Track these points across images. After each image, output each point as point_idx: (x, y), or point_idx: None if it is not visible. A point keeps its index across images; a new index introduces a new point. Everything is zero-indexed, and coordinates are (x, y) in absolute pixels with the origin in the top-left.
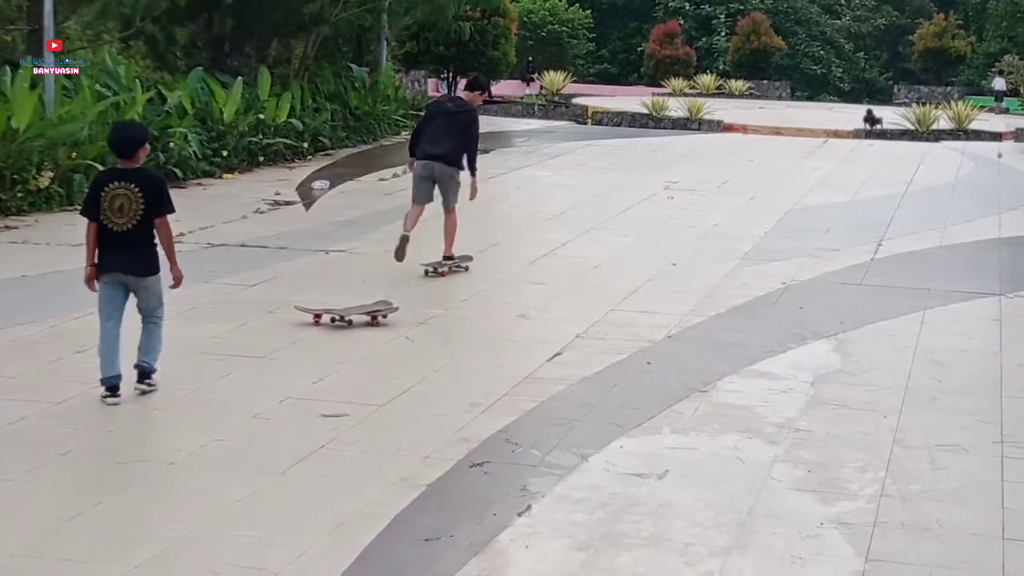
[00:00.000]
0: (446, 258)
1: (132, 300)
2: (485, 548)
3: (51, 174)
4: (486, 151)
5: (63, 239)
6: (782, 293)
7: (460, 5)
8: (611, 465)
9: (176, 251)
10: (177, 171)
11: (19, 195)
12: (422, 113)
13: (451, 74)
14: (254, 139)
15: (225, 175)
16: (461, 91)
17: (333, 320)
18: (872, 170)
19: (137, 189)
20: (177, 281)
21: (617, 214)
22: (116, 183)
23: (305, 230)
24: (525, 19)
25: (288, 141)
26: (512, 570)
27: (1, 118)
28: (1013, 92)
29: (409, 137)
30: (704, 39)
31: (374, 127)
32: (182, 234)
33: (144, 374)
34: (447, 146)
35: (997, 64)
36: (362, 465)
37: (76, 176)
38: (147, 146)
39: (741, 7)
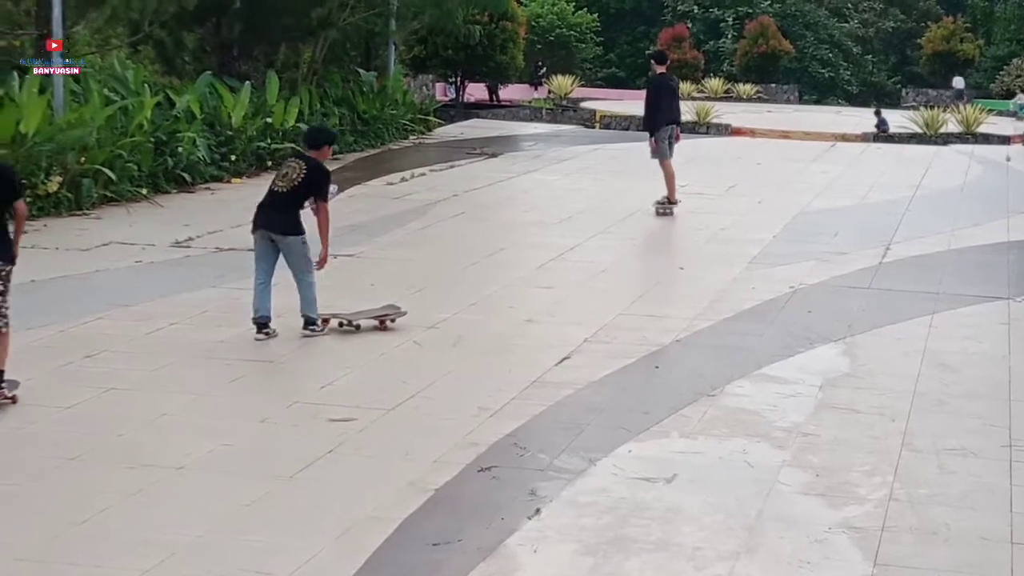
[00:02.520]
0: (671, 202)
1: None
2: (493, 552)
3: (60, 179)
4: (494, 155)
5: (72, 244)
6: (790, 297)
7: (468, 9)
8: (619, 469)
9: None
10: (186, 175)
11: (28, 200)
12: (645, 90)
13: (459, 78)
14: (262, 143)
15: (233, 179)
16: (659, 70)
17: (341, 324)
18: (880, 174)
19: (304, 167)
20: (319, 262)
21: (625, 218)
22: (295, 159)
23: (312, 235)
24: (533, 23)
25: (296, 146)
26: (520, 574)
27: (10, 123)
28: (965, 95)
29: (645, 112)
30: (712, 43)
31: (382, 131)
32: (191, 238)
33: (306, 322)
34: (679, 113)
35: (1004, 68)
36: (370, 470)
37: (85, 181)
38: (332, 147)
39: (749, 11)
